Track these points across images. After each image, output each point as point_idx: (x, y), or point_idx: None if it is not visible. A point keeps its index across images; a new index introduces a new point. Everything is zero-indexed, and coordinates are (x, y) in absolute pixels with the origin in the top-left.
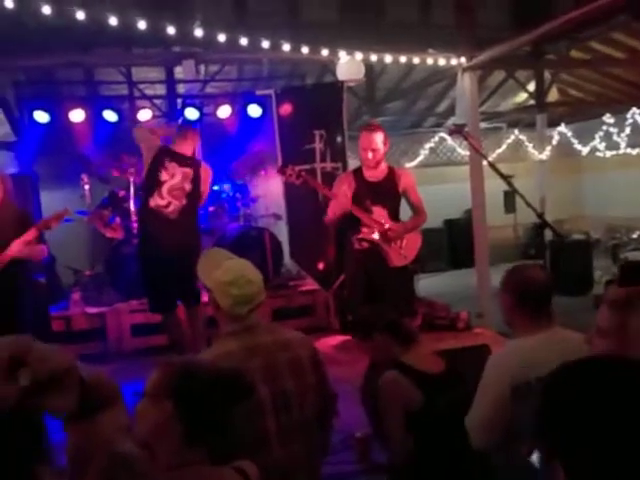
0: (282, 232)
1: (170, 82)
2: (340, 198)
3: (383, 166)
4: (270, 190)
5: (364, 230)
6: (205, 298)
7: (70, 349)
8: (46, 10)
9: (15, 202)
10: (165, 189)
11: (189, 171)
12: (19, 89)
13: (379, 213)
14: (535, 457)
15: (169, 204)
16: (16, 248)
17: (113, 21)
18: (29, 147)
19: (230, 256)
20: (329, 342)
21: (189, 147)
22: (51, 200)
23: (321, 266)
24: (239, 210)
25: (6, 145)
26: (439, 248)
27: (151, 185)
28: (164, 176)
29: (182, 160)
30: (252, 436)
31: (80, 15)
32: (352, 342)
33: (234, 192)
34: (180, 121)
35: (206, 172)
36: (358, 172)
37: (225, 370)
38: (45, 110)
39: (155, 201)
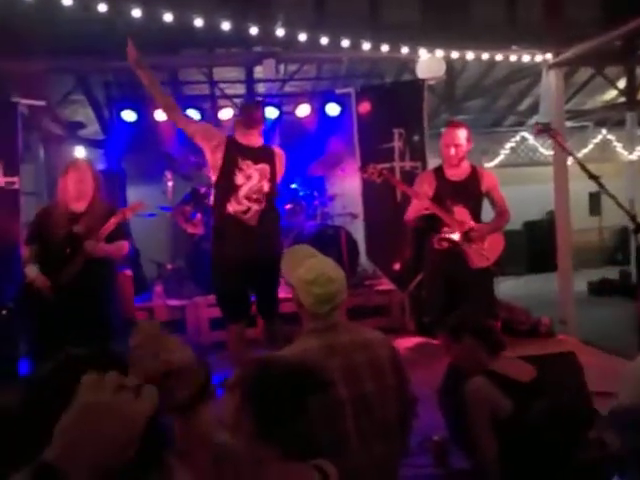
0: (358, 231)
1: (250, 82)
2: (421, 197)
3: (466, 165)
4: (347, 189)
5: (445, 230)
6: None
7: None
8: (136, 13)
9: (105, 199)
10: (242, 194)
11: (266, 168)
12: (109, 89)
13: (460, 213)
14: None
15: (248, 209)
16: (90, 247)
17: (199, 22)
18: (117, 145)
19: (314, 253)
20: (404, 343)
21: (257, 133)
22: (136, 196)
23: (397, 266)
24: (316, 208)
25: (95, 143)
26: (517, 251)
27: (227, 189)
28: (240, 179)
29: (256, 155)
30: (331, 437)
31: (168, 17)
32: (427, 344)
33: (311, 190)
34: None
35: (280, 158)
36: (439, 171)
37: (300, 365)
38: (133, 109)
39: (233, 207)
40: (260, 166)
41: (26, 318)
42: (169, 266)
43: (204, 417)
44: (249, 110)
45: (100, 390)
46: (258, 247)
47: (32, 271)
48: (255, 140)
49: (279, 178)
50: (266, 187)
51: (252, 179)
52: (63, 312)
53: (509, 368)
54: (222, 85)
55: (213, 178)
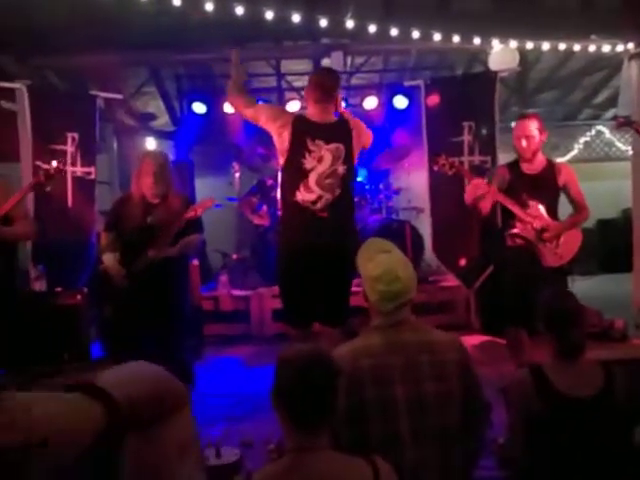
0: (423, 226)
1: None
2: (491, 190)
3: (541, 158)
4: (412, 182)
5: (518, 225)
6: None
7: (217, 328)
8: (209, 7)
9: (178, 190)
10: (313, 180)
11: (340, 147)
12: (180, 82)
13: (536, 208)
14: None
15: (319, 198)
16: (153, 255)
17: (269, 15)
18: (187, 136)
19: (389, 249)
20: (469, 341)
21: (331, 106)
22: (203, 186)
23: (463, 262)
24: (381, 202)
25: (165, 134)
26: (590, 250)
27: (295, 175)
28: (309, 163)
29: (328, 133)
30: (384, 434)
31: (239, 10)
32: (493, 343)
33: (376, 184)
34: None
35: (358, 129)
36: (514, 164)
37: (312, 355)
38: (203, 102)
39: (302, 195)
40: (333, 146)
41: (99, 303)
42: (234, 256)
43: (164, 440)
44: (321, 78)
45: None
46: (329, 241)
47: (108, 259)
48: (328, 115)
49: (364, 142)
50: (341, 170)
51: (324, 162)
52: (134, 301)
53: (564, 377)
54: (289, 77)
55: (281, 162)
